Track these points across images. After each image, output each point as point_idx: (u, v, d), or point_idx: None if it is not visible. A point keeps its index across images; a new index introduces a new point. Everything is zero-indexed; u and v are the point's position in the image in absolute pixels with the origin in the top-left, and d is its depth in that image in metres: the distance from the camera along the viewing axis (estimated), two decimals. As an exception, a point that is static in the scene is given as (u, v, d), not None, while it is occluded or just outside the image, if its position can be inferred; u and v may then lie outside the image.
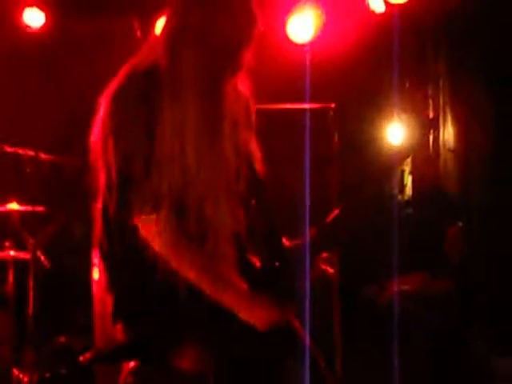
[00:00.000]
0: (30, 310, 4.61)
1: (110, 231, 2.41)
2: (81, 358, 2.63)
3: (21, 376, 4.52)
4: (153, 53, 2.42)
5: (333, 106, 5.12)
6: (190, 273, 2.30)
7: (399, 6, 5.63)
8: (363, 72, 6.00)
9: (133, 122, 2.30)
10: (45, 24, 5.83)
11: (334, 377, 3.95)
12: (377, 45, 5.91)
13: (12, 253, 4.68)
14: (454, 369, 4.92)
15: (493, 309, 5.25)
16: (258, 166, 2.62)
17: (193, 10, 2.37)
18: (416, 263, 5.39)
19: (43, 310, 4.75)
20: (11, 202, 4.67)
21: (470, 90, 5.98)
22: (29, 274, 4.65)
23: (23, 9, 5.77)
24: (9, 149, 4.53)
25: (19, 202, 4.67)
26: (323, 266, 2.65)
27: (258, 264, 2.53)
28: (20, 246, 4.77)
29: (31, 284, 4.60)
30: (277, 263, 2.55)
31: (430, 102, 6.47)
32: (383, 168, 6.37)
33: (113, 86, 2.39)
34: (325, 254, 2.64)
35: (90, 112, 2.46)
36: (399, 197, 6.35)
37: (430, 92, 6.49)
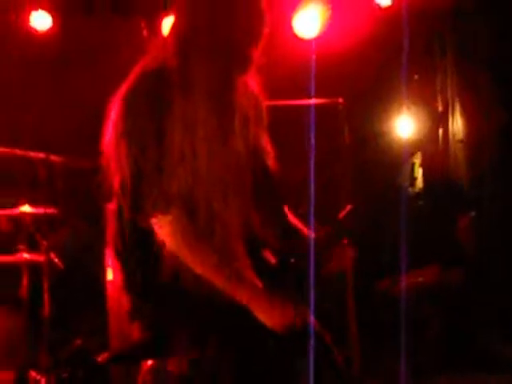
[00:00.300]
0: (46, 312, 4.61)
1: (124, 232, 2.42)
2: (99, 359, 2.63)
3: (38, 378, 4.53)
4: (162, 53, 2.43)
5: (341, 100, 5.12)
6: (203, 271, 2.31)
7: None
8: (371, 66, 6.00)
9: (144, 123, 2.31)
10: (52, 27, 5.85)
11: (352, 374, 3.95)
12: (384, 38, 5.90)
13: (26, 255, 4.68)
14: (466, 359, 4.92)
15: (506, 298, 5.25)
16: (270, 161, 2.63)
17: (201, 8, 2.38)
18: (429, 255, 5.39)
19: (58, 312, 4.76)
20: (23, 204, 4.68)
21: (479, 80, 5.96)
22: (43, 276, 4.65)
23: (30, 12, 5.79)
24: (19, 152, 4.54)
25: (31, 205, 4.67)
26: (343, 255, 2.63)
27: (272, 260, 2.54)
28: (33, 249, 4.77)
29: (46, 286, 4.60)
30: (292, 260, 2.55)
31: (439, 93, 6.45)
32: (393, 161, 6.36)
33: (124, 87, 2.40)
34: (345, 240, 2.63)
35: (100, 113, 2.47)
36: (410, 189, 6.34)
37: (438, 84, 6.47)
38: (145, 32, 5.81)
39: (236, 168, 2.40)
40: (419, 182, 6.35)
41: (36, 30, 5.83)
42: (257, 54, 2.42)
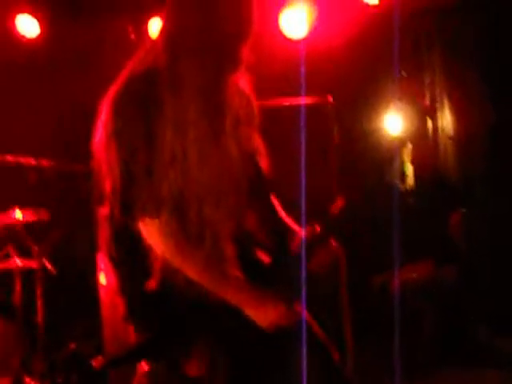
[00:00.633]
0: (40, 318, 4.61)
1: (116, 236, 2.42)
2: (93, 363, 2.63)
3: (33, 383, 4.52)
4: (150, 55, 2.42)
5: (330, 99, 5.13)
6: (192, 273, 2.31)
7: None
8: (359, 64, 6.00)
9: (133, 125, 2.30)
10: (39, 32, 5.83)
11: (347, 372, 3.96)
12: (371, 37, 5.91)
13: (18, 262, 4.67)
14: (460, 354, 4.93)
15: (497, 291, 5.27)
16: (263, 161, 2.63)
17: (189, 9, 2.36)
18: (421, 251, 5.40)
19: (50, 318, 4.75)
20: (15, 210, 4.67)
21: (467, 77, 5.98)
22: (35, 282, 4.64)
23: (15, 17, 5.77)
24: (10, 158, 4.53)
25: (23, 211, 4.66)
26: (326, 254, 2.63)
27: (266, 260, 2.54)
28: (25, 255, 4.76)
29: (39, 292, 4.60)
30: (285, 258, 2.55)
31: (427, 90, 6.46)
32: (383, 159, 6.37)
33: (112, 90, 2.38)
34: (334, 242, 2.63)
35: (89, 117, 2.46)
36: (400, 186, 6.35)
37: (426, 80, 6.48)
38: (132, 35, 5.80)
39: (228, 169, 2.39)
40: (409, 179, 6.36)
41: (23, 35, 5.81)
42: (246, 53, 2.42)
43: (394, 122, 6.27)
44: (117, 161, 2.32)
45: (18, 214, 4.65)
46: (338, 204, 2.64)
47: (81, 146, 2.58)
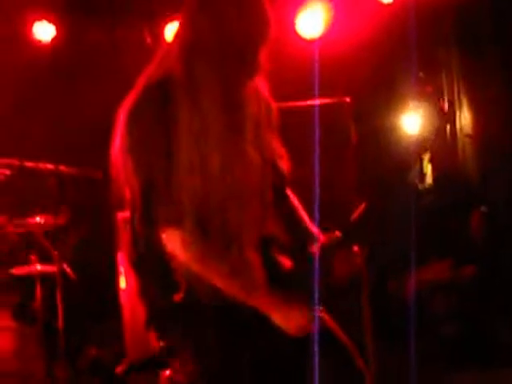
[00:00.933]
0: (60, 322, 4.61)
1: (138, 244, 2.41)
2: (117, 370, 2.62)
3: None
4: (166, 62, 2.39)
5: (348, 99, 5.11)
6: (218, 282, 2.29)
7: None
8: (376, 64, 5.98)
9: (150, 136, 2.28)
10: (55, 36, 5.85)
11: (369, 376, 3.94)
12: (387, 36, 5.89)
13: (38, 267, 4.68)
14: (480, 354, 4.89)
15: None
16: (284, 164, 2.61)
17: (205, 16, 2.33)
18: (441, 251, 5.37)
19: (71, 322, 4.76)
20: (34, 216, 4.68)
21: (485, 74, 5.94)
22: (55, 286, 4.65)
23: (33, 23, 5.79)
24: (29, 164, 4.54)
25: (42, 216, 4.67)
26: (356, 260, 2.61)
27: (288, 265, 2.53)
28: (45, 260, 4.77)
29: (59, 297, 4.60)
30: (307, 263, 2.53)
31: (445, 88, 6.44)
32: (402, 158, 6.35)
33: (129, 100, 2.36)
34: (356, 248, 2.60)
35: (107, 121, 2.46)
36: (420, 185, 6.33)
37: (444, 79, 6.45)
38: (148, 39, 5.80)
39: (250, 175, 2.37)
40: (429, 178, 6.34)
41: (40, 41, 5.83)
42: (264, 58, 2.40)
43: (412, 122, 6.25)
44: (135, 172, 2.31)
45: (38, 219, 4.65)
46: (360, 209, 2.62)
47: (99, 151, 2.57)
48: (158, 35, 5.74)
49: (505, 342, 5.05)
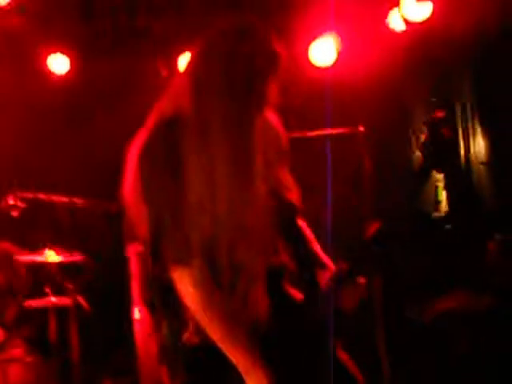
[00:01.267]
0: (75, 355, 4.60)
1: (150, 281, 2.41)
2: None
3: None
4: (177, 99, 2.40)
5: (361, 128, 5.11)
6: (214, 333, 2.28)
7: (420, 24, 5.64)
8: (389, 92, 5.98)
9: (161, 178, 2.29)
10: (70, 69, 5.88)
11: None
12: (401, 63, 5.89)
13: (53, 299, 4.68)
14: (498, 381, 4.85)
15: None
16: (293, 194, 2.60)
17: (215, 53, 2.35)
18: (458, 279, 5.34)
19: (86, 354, 4.75)
20: (48, 248, 4.69)
21: (498, 100, 5.93)
22: (70, 319, 4.65)
23: (47, 55, 5.83)
24: (43, 196, 4.55)
25: (56, 250, 4.68)
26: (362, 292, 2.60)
27: (298, 296, 2.51)
28: (59, 292, 4.77)
29: (74, 330, 4.60)
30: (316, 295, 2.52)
31: (459, 115, 6.43)
32: (415, 186, 6.34)
33: (140, 138, 2.37)
34: (362, 280, 2.59)
35: (121, 155, 2.46)
36: (435, 213, 6.30)
37: (457, 106, 6.45)
38: (164, 71, 5.83)
39: (259, 211, 2.36)
40: (444, 206, 6.31)
41: (54, 73, 5.86)
42: (274, 92, 2.40)
43: (424, 149, 6.24)
44: (146, 212, 2.32)
45: (51, 254, 4.66)
46: (374, 227, 2.60)
47: (114, 184, 2.58)
48: (173, 67, 5.77)
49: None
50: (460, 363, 4.94)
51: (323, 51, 5.79)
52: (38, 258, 4.69)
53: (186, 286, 2.28)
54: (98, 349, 5.31)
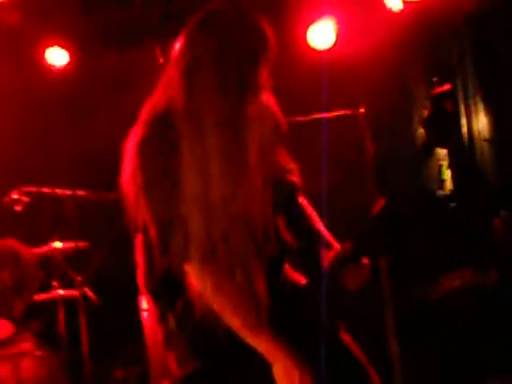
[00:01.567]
0: (85, 347, 4.62)
1: (154, 272, 2.42)
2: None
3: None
4: (169, 91, 2.37)
5: (362, 110, 5.10)
6: (224, 314, 2.29)
7: (417, 2, 5.62)
8: (388, 72, 5.95)
9: (162, 175, 2.29)
10: (68, 62, 5.87)
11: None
12: (398, 43, 5.87)
13: (61, 292, 4.70)
14: (505, 360, 4.85)
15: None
16: (294, 177, 2.59)
17: (203, 41, 2.33)
18: (464, 257, 5.34)
19: (95, 346, 4.77)
20: (54, 241, 4.70)
21: (500, 76, 5.92)
22: (78, 311, 4.66)
23: (45, 48, 5.82)
24: (46, 190, 4.56)
25: (62, 242, 4.70)
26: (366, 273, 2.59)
27: (302, 281, 2.52)
28: (67, 285, 4.79)
29: (83, 322, 4.61)
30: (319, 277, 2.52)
31: (461, 93, 6.40)
32: (418, 165, 6.33)
33: (137, 131, 2.37)
34: (366, 260, 2.58)
35: (119, 149, 2.46)
36: (440, 192, 6.30)
37: (458, 83, 6.42)
38: (161, 59, 5.81)
39: (255, 198, 2.34)
40: (448, 184, 6.30)
41: (53, 66, 5.85)
42: (267, 76, 2.38)
43: (427, 128, 6.23)
44: (148, 209, 2.32)
45: (58, 245, 4.68)
46: (379, 204, 2.59)
47: (113, 176, 2.58)
48: (169, 54, 5.75)
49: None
50: (468, 340, 4.95)
51: (322, 34, 5.77)
52: (45, 252, 4.71)
53: (202, 279, 2.29)
54: (107, 339, 5.33)
